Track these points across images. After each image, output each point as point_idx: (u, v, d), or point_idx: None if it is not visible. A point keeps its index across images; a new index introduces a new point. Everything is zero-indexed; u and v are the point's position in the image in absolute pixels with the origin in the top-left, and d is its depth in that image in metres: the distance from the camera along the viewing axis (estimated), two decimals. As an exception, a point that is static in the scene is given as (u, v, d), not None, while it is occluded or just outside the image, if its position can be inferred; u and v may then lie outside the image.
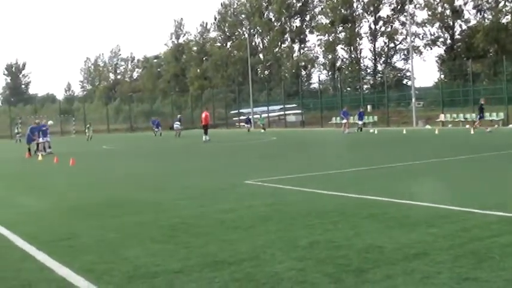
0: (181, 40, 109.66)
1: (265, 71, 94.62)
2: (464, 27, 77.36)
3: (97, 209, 9.40)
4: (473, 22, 76.07)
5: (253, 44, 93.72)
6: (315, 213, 8.05)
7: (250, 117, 64.39)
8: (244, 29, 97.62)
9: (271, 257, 5.60)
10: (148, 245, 6.44)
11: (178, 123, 48.99)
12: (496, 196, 9.05)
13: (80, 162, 20.62)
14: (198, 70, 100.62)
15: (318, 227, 7.01)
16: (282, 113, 69.05)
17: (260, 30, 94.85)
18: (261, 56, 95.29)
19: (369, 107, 59.04)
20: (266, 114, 66.68)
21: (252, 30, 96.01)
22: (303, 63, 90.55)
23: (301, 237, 6.43)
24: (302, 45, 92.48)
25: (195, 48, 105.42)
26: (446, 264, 5.11)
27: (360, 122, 44.09)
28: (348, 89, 79.58)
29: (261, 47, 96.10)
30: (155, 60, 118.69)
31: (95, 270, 5.36)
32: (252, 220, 7.68)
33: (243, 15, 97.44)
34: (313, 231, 6.82)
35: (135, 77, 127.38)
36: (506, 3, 72.40)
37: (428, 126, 48.39)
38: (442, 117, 49.69)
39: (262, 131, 53.55)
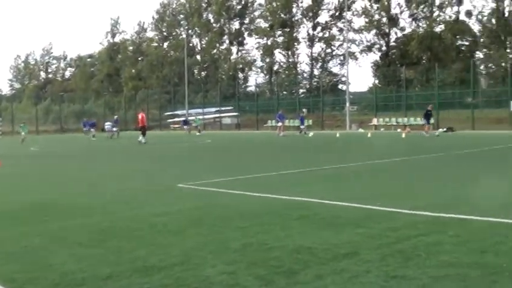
0: (117, 39, 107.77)
1: (202, 73, 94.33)
2: (399, 34, 79.86)
3: (21, 214, 8.97)
4: (408, 30, 78.65)
5: (191, 44, 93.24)
6: (247, 215, 8.08)
7: (187, 119, 64.01)
8: (182, 29, 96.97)
9: (202, 260, 5.55)
10: (75, 250, 6.21)
11: (109, 124, 47.96)
12: (424, 197, 9.35)
13: (6, 165, 19.84)
14: (133, 70, 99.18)
15: (250, 229, 7.02)
16: (218, 115, 68.98)
17: (198, 31, 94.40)
18: (198, 57, 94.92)
19: (304, 110, 59.91)
20: (201, 116, 66.44)
21: (190, 31, 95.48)
22: (241, 66, 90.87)
23: (233, 240, 6.41)
24: (240, 48, 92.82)
25: (131, 47, 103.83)
26: (375, 263, 5.24)
27: (302, 126, 44.62)
28: (284, 92, 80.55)
29: (199, 48, 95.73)
30: (89, 59, 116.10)
31: (17, 280, 5.08)
32: (184, 223, 7.60)
33: (182, 16, 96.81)
34: (245, 233, 6.82)
35: (67, 76, 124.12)
36: (440, 13, 75.26)
37: (361, 130, 49.58)
38: (375, 121, 51.02)
39: (198, 133, 53.33)
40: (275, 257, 5.63)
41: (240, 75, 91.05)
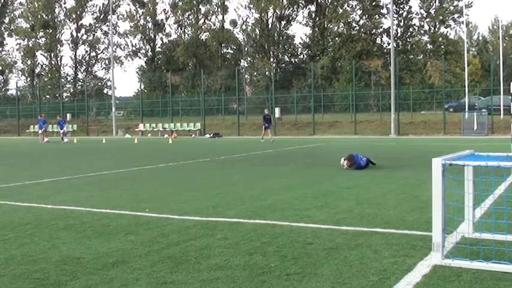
0: None
1: None
2: (165, 40, 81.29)
3: None
4: (174, 36, 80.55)
5: None
6: (10, 226, 7.64)
7: None
8: None
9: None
10: None
11: None
12: (193, 202, 9.70)
13: None
14: None
15: (13, 241, 6.68)
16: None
17: None
18: None
19: (68, 115, 57.75)
20: None
21: None
22: (0, 68, 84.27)
23: (-10, 254, 6.00)
24: (0, 49, 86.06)
25: None
26: (145, 270, 5.31)
27: (62, 131, 42.81)
28: (48, 96, 76.87)
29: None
30: None
31: None
32: None
33: None
34: (7, 246, 6.46)
35: None
36: (206, 21, 78.42)
37: (128, 136, 49.38)
38: (141, 126, 51.21)
39: None
40: (40, 269, 5.40)
41: (0, 77, 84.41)
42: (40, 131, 41.59)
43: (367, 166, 15.54)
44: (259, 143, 32.77)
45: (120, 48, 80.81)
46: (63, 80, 79.97)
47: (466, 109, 40.08)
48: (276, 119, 46.70)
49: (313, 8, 73.51)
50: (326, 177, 13.57)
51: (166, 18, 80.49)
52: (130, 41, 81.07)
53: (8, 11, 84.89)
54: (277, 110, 48.09)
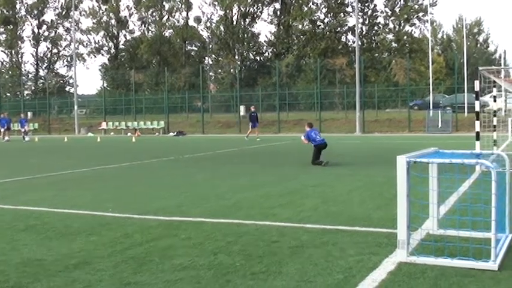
0: None
1: None
2: (128, 37, 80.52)
3: None
4: (137, 33, 79.79)
5: None
6: (-37, 229, 7.44)
7: None
8: None
9: None
10: None
11: None
12: (157, 201, 9.64)
13: None
14: None
15: (-34, 245, 6.49)
16: None
17: None
18: None
19: (29, 113, 56.75)
20: None
21: None
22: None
23: None
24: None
25: None
26: (108, 271, 5.24)
27: (22, 130, 42.02)
28: (8, 94, 75.45)
29: None
30: None
31: None
32: None
33: None
34: (-40, 249, 6.28)
35: None
36: (170, 18, 77.90)
37: (90, 134, 48.81)
38: (104, 125, 50.65)
39: None
40: (0, 271, 5.30)
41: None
42: (2, 130, 40.77)
43: (322, 146, 15.94)
44: (224, 141, 32.75)
45: (83, 45, 79.76)
46: (24, 77, 78.50)
47: (431, 107, 40.66)
48: (241, 117, 46.72)
49: (278, 5, 73.70)
50: (291, 175, 13.63)
51: (130, 15, 79.74)
52: (93, 37, 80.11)
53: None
54: (242, 108, 48.12)
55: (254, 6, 73.92)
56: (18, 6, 79.28)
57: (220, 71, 73.81)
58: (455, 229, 6.05)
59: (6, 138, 39.71)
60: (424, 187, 6.13)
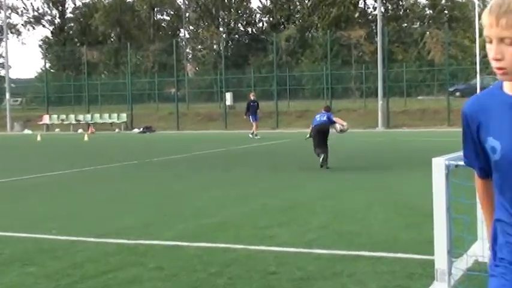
0: None
1: None
2: (78, 3, 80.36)
3: None
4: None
5: None
6: None
7: None
8: None
9: None
10: None
11: None
12: (117, 219, 9.61)
13: None
14: None
15: None
16: None
17: None
18: None
19: None
20: None
21: None
22: None
23: None
24: None
25: None
26: (51, 314, 5.20)
27: None
28: None
29: None
30: None
31: None
32: None
33: None
34: None
35: None
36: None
37: (28, 131, 48.58)
38: (46, 118, 50.47)
39: None
40: None
41: None
42: None
43: (316, 128, 16.28)
44: (205, 139, 32.72)
45: (17, 13, 79.44)
46: None
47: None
48: (227, 107, 46.70)
49: (275, -40, 73.87)
50: (294, 184, 13.62)
51: (80, -27, 79.67)
52: (31, 3, 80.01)
53: None
54: (228, 96, 48.05)
55: (244, -39, 73.97)
56: None
57: (200, 47, 73.76)
58: None
59: None
60: (469, 199, 6.11)
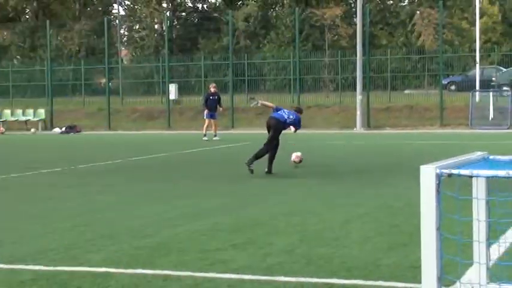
0: None
1: None
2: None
3: None
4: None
5: None
6: None
7: None
8: None
9: None
10: None
11: None
12: (32, 240, 9.58)
13: None
14: None
15: None
16: None
17: None
18: None
19: None
20: None
21: None
22: None
23: None
24: None
25: None
26: None
27: None
28: None
29: None
30: None
31: None
32: None
33: None
34: None
35: None
36: None
37: None
38: None
39: None
40: None
41: None
42: None
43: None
44: (144, 141, 32.63)
45: None
46: None
47: (477, 87, 41.15)
48: (172, 102, 46.58)
49: None
50: (253, 197, 13.67)
51: None
52: None
53: None
54: (172, 88, 47.88)
55: None
56: None
57: (137, 27, 73.51)
58: (515, 283, 6.11)
59: None
60: (465, 215, 6.19)
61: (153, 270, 7.73)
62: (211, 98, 33.50)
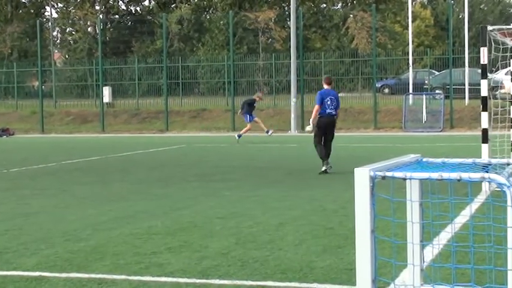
0: None
1: None
2: None
3: None
4: None
5: None
6: None
7: None
8: None
9: None
10: None
11: None
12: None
13: None
14: None
15: None
16: None
17: None
18: None
19: None
20: None
21: None
22: None
23: None
24: None
25: None
26: None
27: None
28: None
29: None
30: None
31: None
32: None
33: None
34: None
35: None
36: None
37: None
38: None
39: None
40: None
41: None
42: None
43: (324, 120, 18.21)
44: (77, 145, 32.37)
45: None
46: None
47: (410, 90, 41.57)
48: (106, 105, 46.28)
49: None
50: (187, 200, 13.64)
51: None
52: None
53: None
54: (106, 91, 47.55)
55: None
56: None
57: (70, 29, 72.85)
58: (450, 285, 6.17)
59: None
60: (399, 217, 6.23)
61: (88, 274, 7.68)
62: (249, 103, 33.07)
